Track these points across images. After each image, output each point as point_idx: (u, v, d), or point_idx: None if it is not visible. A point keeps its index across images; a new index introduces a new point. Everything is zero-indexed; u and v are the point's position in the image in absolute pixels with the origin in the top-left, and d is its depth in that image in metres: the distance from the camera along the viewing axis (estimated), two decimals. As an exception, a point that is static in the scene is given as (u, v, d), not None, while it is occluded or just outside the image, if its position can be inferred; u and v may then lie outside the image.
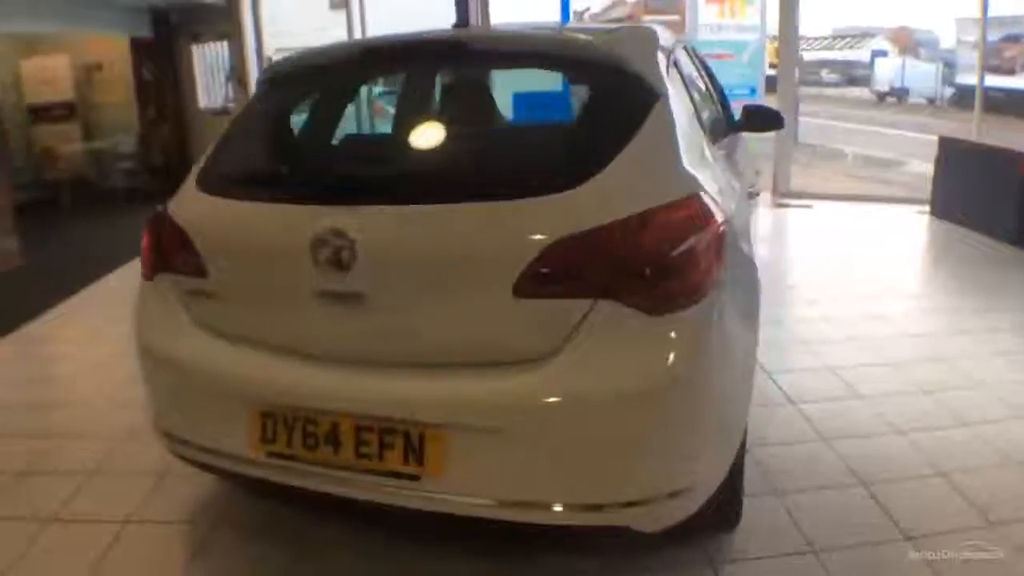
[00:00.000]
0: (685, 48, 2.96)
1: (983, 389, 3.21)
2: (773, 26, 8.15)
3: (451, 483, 1.74)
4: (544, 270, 1.67)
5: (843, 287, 4.79)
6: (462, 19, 7.98)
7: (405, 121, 2.31)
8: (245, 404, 1.87)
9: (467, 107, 2.37)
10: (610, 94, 2.05)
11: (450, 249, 1.76)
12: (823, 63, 28.78)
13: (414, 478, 1.74)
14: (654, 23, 2.98)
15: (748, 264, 2.15)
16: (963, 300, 4.61)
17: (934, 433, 2.84)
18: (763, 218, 6.67)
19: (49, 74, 9.30)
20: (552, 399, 1.68)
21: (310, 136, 2.44)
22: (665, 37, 2.38)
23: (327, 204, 1.84)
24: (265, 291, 1.94)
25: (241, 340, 1.96)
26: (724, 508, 2.09)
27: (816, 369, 3.48)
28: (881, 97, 24.20)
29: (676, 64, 2.35)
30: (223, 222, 1.99)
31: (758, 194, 4.40)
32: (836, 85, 27.83)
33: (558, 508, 1.74)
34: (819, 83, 27.15)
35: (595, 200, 1.72)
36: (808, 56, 23.94)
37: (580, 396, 1.68)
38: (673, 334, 1.70)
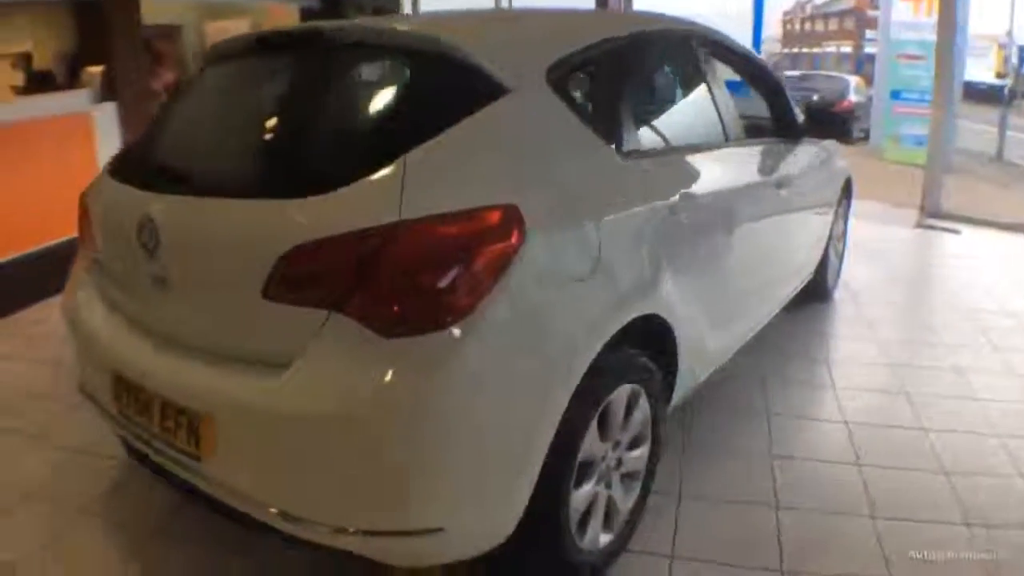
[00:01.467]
0: (693, 41, 2.83)
1: None
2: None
3: (219, 471, 1.80)
4: (285, 274, 1.65)
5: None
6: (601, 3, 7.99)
7: (237, 113, 2.24)
8: (105, 365, 2.07)
9: (295, 100, 2.15)
10: (433, 88, 1.91)
11: (219, 243, 1.80)
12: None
13: (196, 459, 1.81)
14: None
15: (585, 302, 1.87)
16: None
17: None
18: (890, 238, 6.09)
19: (230, 35, 10.22)
20: (275, 407, 1.66)
21: (182, 124, 2.36)
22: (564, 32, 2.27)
23: (151, 190, 1.99)
24: (120, 266, 2.10)
25: (114, 308, 2.15)
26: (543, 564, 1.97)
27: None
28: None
29: (595, 62, 2.19)
30: (104, 200, 2.18)
31: (832, 208, 4.08)
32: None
33: (303, 522, 1.70)
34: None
35: (348, 204, 1.64)
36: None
37: (295, 409, 1.64)
38: (401, 360, 1.59)
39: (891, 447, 2.85)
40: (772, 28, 27.44)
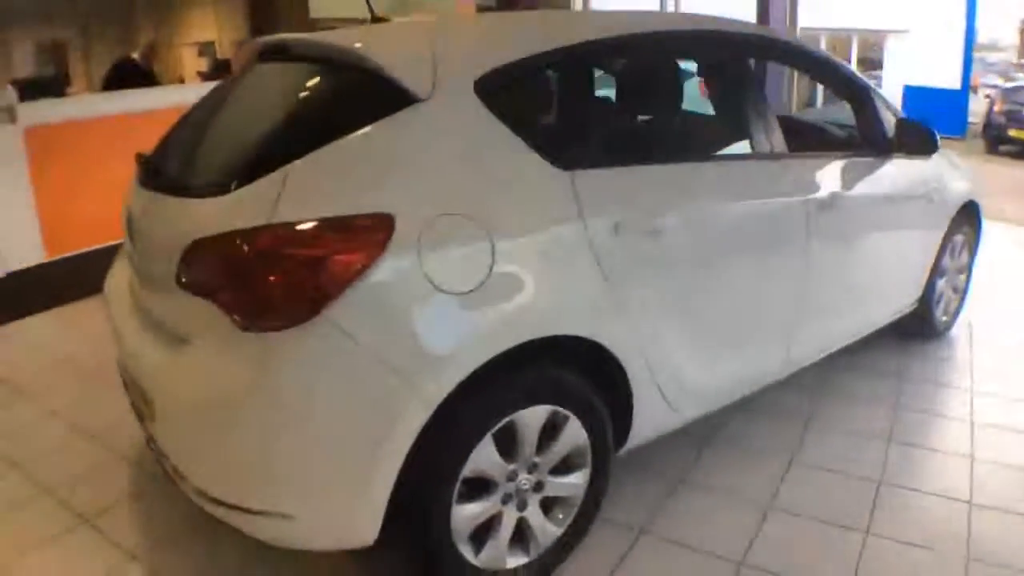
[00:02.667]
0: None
1: None
2: None
3: (160, 436, 2.00)
4: (185, 267, 1.81)
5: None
6: (762, 10, 7.51)
7: (203, 118, 2.36)
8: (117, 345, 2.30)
9: (233, 108, 2.30)
10: (341, 97, 2.01)
11: (157, 236, 2.02)
12: None
13: (152, 419, 2.00)
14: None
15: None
16: None
17: None
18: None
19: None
20: (168, 383, 1.90)
21: (178, 127, 2.51)
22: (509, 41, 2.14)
23: (141, 186, 2.21)
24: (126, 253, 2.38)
25: (131, 287, 2.34)
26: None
27: None
28: None
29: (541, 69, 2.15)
30: (125, 192, 2.41)
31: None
32: None
33: (198, 491, 1.87)
34: None
35: (233, 207, 1.76)
36: None
37: (176, 386, 1.87)
38: (251, 353, 1.71)
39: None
40: (1009, 36, 24.35)
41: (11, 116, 5.45)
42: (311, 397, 1.73)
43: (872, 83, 3.34)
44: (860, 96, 3.15)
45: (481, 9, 10.48)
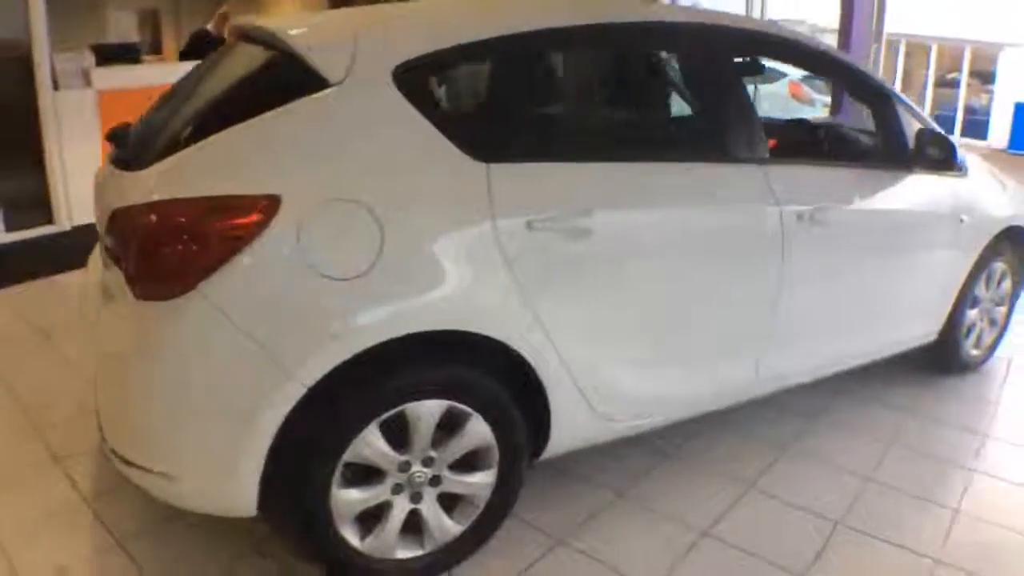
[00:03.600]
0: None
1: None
2: None
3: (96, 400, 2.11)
4: (107, 237, 1.96)
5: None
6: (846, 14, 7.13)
7: (173, 98, 2.41)
8: None
9: (192, 89, 2.34)
10: (264, 80, 2.06)
11: (103, 208, 2.10)
12: None
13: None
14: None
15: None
16: None
17: None
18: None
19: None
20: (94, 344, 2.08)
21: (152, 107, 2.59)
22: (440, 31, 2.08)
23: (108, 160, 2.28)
24: None
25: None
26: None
27: None
28: None
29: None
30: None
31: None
32: None
33: (111, 448, 1.96)
34: None
35: (143, 182, 1.86)
36: None
37: (98, 349, 2.03)
38: (138, 320, 1.82)
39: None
40: None
41: (87, 80, 5.80)
42: (187, 367, 1.79)
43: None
44: (878, 103, 2.94)
45: None
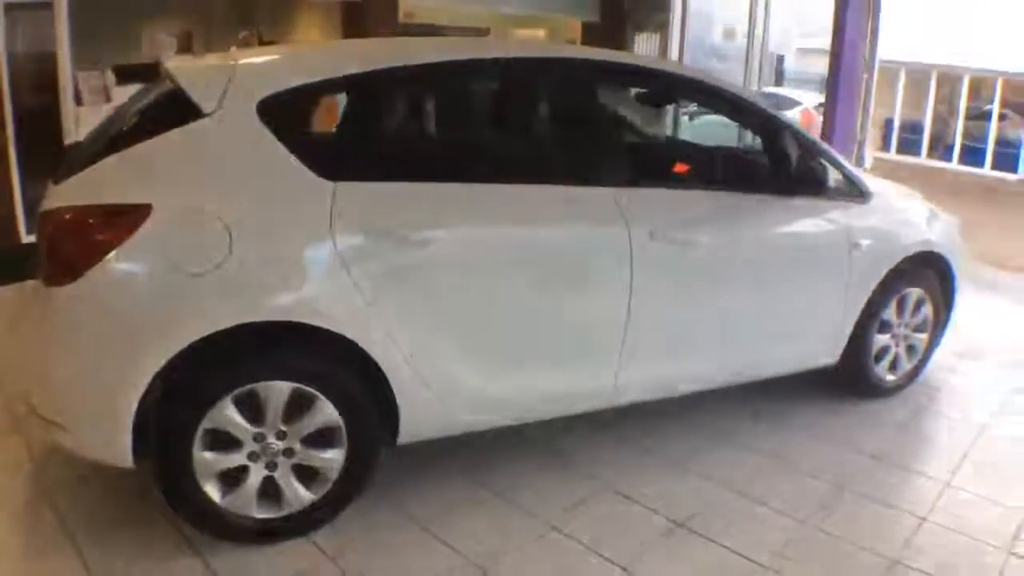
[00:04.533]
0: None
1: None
2: None
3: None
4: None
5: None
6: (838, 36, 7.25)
7: (108, 120, 2.79)
8: None
9: (125, 113, 2.70)
10: (160, 109, 2.41)
11: None
12: None
13: None
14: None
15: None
16: None
17: None
18: None
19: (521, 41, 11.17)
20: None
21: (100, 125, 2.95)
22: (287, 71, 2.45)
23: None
24: None
25: None
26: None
27: None
28: None
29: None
30: None
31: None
32: None
33: (31, 407, 2.33)
34: None
35: (61, 191, 2.28)
36: None
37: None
38: (44, 300, 2.23)
39: None
40: None
41: (106, 96, 6.35)
42: (75, 337, 2.21)
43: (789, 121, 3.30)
44: (765, 133, 3.18)
45: (586, 26, 10.73)
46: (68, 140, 6.01)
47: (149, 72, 7.01)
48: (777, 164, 3.15)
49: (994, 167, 14.39)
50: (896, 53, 14.50)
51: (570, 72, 2.86)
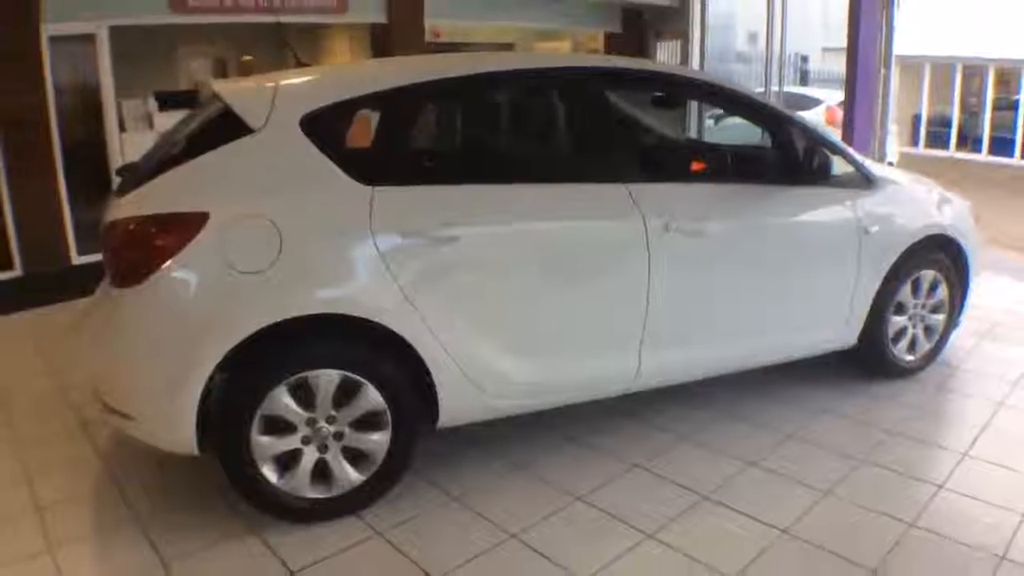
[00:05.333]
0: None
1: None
2: None
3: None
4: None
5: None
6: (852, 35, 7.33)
7: (164, 138, 3.06)
8: None
9: (178, 130, 2.98)
10: (212, 127, 2.62)
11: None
12: None
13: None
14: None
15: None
16: None
17: None
18: None
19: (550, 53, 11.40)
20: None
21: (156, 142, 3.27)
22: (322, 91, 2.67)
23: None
24: None
25: None
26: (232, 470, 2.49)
27: None
28: None
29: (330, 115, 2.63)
30: None
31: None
32: None
33: (102, 402, 2.56)
34: None
35: (122, 203, 2.51)
36: None
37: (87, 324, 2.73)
38: (114, 301, 2.47)
39: None
40: None
41: (150, 123, 6.68)
42: (140, 334, 2.45)
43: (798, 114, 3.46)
44: (772, 126, 3.34)
45: (608, 36, 10.93)
46: (114, 166, 6.37)
47: (189, 98, 7.41)
48: (782, 154, 3.32)
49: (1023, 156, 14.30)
50: (919, 48, 14.50)
51: (581, 79, 3.05)
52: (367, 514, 2.67)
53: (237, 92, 2.70)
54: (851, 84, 7.34)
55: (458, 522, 2.66)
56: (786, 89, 11.47)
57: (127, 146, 6.35)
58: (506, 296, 2.74)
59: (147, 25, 6.53)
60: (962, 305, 3.99)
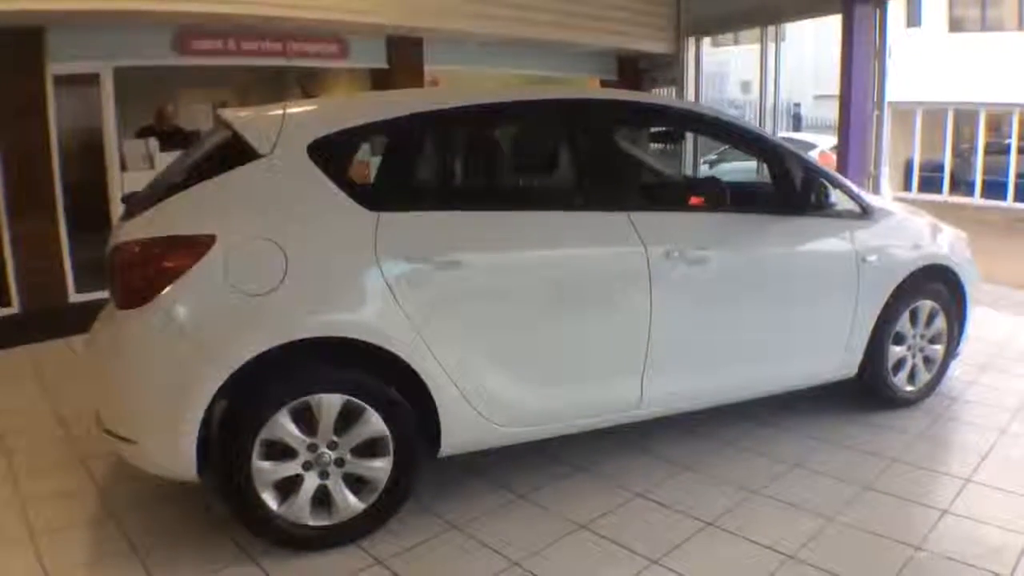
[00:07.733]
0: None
1: None
2: None
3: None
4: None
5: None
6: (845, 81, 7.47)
7: (173, 164, 3.08)
8: None
9: (185, 156, 3.06)
10: (221, 152, 2.66)
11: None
12: None
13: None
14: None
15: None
16: None
17: None
18: None
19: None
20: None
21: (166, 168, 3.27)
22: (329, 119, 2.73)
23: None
24: None
25: None
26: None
27: None
28: None
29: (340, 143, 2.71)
30: None
31: None
32: None
33: (103, 426, 2.55)
34: None
35: (128, 226, 2.54)
36: None
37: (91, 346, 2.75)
38: (117, 323, 2.49)
39: None
40: None
41: (151, 163, 6.74)
42: (145, 355, 2.43)
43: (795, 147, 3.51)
44: (771, 159, 3.38)
45: (604, 84, 11.11)
46: (115, 205, 6.40)
47: (191, 138, 7.49)
48: (780, 185, 3.36)
49: (1016, 199, 14.41)
50: (911, 94, 14.75)
51: (582, 109, 3.12)
52: (367, 542, 2.63)
53: (244, 119, 2.74)
54: (844, 128, 7.45)
55: (460, 550, 2.62)
56: (780, 135, 11.68)
57: (128, 185, 6.36)
58: (509, 321, 2.75)
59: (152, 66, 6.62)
60: (961, 335, 4.00)
